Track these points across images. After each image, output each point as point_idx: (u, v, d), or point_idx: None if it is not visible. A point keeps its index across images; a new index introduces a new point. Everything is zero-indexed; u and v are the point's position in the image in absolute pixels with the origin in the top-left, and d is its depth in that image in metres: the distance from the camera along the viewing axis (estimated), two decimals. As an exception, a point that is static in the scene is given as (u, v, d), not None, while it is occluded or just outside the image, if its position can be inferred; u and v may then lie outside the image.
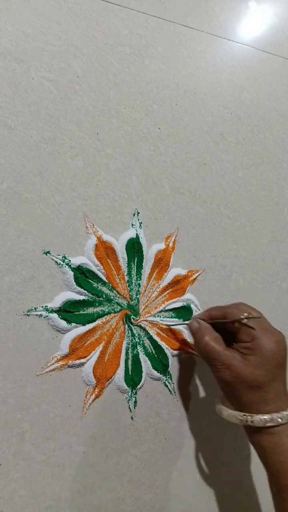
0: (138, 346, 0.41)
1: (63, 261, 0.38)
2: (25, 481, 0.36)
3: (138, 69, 0.45)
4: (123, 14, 0.44)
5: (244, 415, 0.35)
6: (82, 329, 0.39)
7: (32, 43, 0.39)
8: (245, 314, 0.37)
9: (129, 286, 0.41)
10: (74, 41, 0.41)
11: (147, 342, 0.42)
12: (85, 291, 0.39)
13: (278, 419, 0.34)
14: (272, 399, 0.35)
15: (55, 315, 0.37)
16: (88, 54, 0.42)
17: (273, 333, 0.37)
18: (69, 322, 0.38)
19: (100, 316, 0.40)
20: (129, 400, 0.41)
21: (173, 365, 0.43)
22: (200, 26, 0.49)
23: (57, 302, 0.38)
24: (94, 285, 0.40)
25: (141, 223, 0.43)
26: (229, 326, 0.38)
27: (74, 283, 0.38)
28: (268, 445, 0.34)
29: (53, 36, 0.40)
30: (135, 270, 0.42)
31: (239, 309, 0.38)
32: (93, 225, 0.40)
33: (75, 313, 0.38)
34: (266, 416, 0.34)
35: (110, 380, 0.39)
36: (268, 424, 0.34)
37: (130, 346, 0.41)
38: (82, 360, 0.38)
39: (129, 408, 0.41)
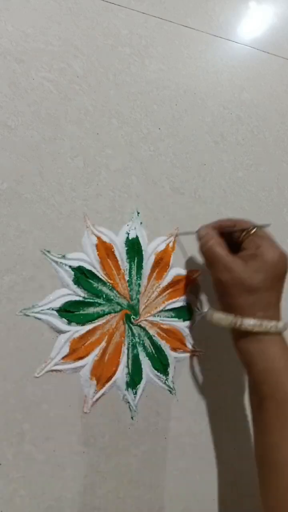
0: (138, 346, 0.42)
1: (63, 261, 0.38)
2: (25, 481, 0.36)
3: (138, 69, 0.45)
4: (123, 14, 0.44)
5: (235, 316, 0.35)
6: (82, 329, 0.39)
7: (32, 43, 0.39)
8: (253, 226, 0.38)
9: (129, 286, 0.41)
10: (74, 41, 0.41)
11: (147, 342, 0.42)
12: (85, 291, 0.39)
13: (268, 326, 0.34)
14: (265, 306, 0.35)
15: (55, 315, 0.38)
16: (88, 54, 0.42)
17: (278, 247, 0.37)
18: (69, 322, 0.38)
19: (100, 316, 0.40)
20: (129, 400, 0.41)
21: (173, 365, 0.43)
22: (200, 26, 0.49)
23: (57, 302, 0.38)
24: (94, 285, 0.40)
25: (141, 223, 0.43)
26: (236, 236, 0.39)
27: (74, 283, 0.39)
28: (255, 351, 0.34)
29: (53, 36, 0.40)
30: (135, 270, 0.42)
31: (248, 222, 0.39)
32: (93, 225, 0.40)
33: (75, 313, 0.38)
34: (256, 321, 0.34)
35: (110, 380, 0.40)
36: (257, 329, 0.34)
37: (130, 346, 0.41)
38: (82, 360, 0.38)
39: (129, 408, 0.41)
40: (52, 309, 0.38)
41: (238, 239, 0.38)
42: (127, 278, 0.41)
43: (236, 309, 0.35)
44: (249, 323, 0.34)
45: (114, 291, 0.41)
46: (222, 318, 0.36)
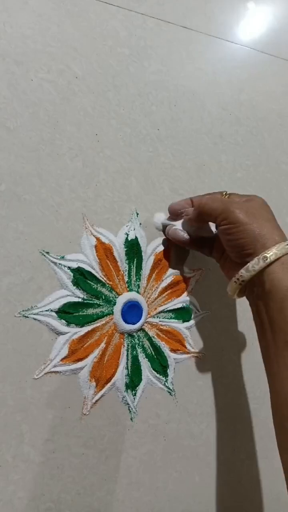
0: (137, 347, 0.41)
1: (62, 262, 0.38)
2: (24, 483, 0.36)
3: (137, 70, 0.45)
4: (121, 15, 0.44)
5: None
6: (81, 330, 0.39)
7: (31, 44, 0.39)
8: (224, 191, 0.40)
9: (128, 287, 0.41)
10: (73, 42, 0.41)
11: (146, 343, 0.42)
12: (84, 292, 0.39)
13: None
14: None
15: (54, 317, 0.37)
16: (87, 55, 0.42)
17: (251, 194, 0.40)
18: (68, 323, 0.38)
19: (99, 317, 0.40)
20: (129, 401, 0.41)
21: (172, 366, 0.43)
22: (199, 27, 0.49)
23: (56, 303, 0.38)
24: (93, 286, 0.40)
25: (141, 224, 0.43)
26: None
27: (73, 284, 0.39)
28: None
29: (52, 37, 0.40)
30: (134, 271, 0.42)
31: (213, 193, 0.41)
32: (92, 226, 0.40)
33: (74, 314, 0.38)
34: None
35: (110, 381, 0.39)
36: None
37: (129, 347, 0.41)
38: (82, 362, 0.38)
39: (129, 409, 0.41)
40: (51, 311, 0.37)
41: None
42: (126, 279, 0.41)
43: (272, 236, 0.34)
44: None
45: (113, 292, 0.41)
46: (280, 248, 0.33)
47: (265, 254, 0.33)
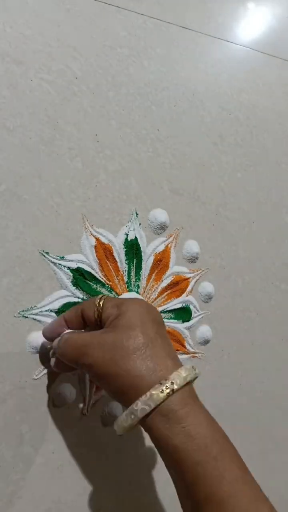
0: (137, 347, 0.41)
1: (62, 263, 0.38)
2: (24, 483, 0.36)
3: (136, 70, 0.45)
4: (121, 15, 0.44)
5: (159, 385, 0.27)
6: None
7: (31, 44, 0.39)
8: (98, 297, 0.33)
9: (128, 287, 0.41)
10: (73, 42, 0.41)
11: (146, 344, 0.42)
12: (84, 293, 0.39)
13: (193, 374, 0.28)
14: (169, 354, 0.29)
15: (54, 317, 0.37)
16: (86, 55, 0.42)
17: (133, 299, 0.33)
18: (68, 323, 0.38)
19: (99, 317, 0.40)
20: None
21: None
22: (198, 28, 0.49)
23: (56, 303, 0.38)
24: (93, 287, 0.40)
25: (140, 224, 0.43)
26: (90, 318, 0.32)
27: (73, 285, 0.38)
28: (180, 437, 0.27)
29: (51, 37, 0.40)
30: (134, 271, 0.42)
31: (89, 300, 0.33)
32: (92, 226, 0.40)
33: (74, 314, 0.38)
34: (180, 372, 0.28)
35: (109, 381, 0.39)
36: (190, 378, 0.28)
37: (129, 347, 0.41)
38: (81, 362, 0.38)
39: (128, 409, 0.41)
40: (51, 311, 0.37)
41: (95, 319, 0.32)
42: (126, 279, 0.41)
43: (142, 380, 0.27)
44: (181, 375, 0.27)
45: (113, 293, 0.41)
46: (153, 397, 0.27)
47: (134, 408, 0.27)
